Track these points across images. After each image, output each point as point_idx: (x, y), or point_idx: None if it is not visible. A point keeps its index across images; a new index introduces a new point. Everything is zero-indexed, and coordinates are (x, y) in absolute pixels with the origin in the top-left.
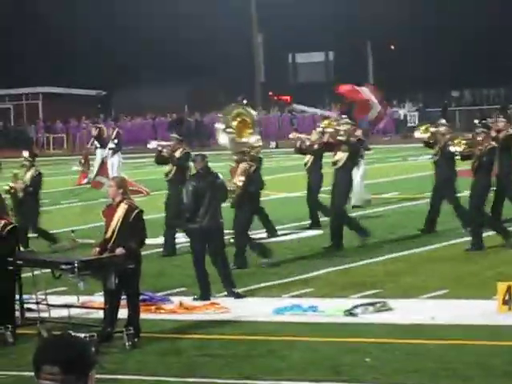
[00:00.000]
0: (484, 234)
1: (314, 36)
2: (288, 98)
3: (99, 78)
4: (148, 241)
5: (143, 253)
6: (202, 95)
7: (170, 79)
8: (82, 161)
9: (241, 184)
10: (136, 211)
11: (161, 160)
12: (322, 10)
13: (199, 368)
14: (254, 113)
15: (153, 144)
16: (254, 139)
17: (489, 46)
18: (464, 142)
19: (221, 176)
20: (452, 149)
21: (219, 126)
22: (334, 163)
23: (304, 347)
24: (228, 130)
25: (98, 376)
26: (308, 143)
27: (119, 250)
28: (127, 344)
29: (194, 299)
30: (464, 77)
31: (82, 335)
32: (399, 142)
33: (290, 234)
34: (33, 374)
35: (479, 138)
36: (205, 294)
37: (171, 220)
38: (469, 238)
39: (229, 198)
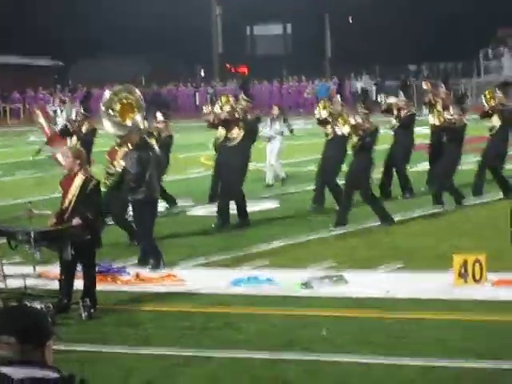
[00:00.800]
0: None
1: (272, 8)
2: (245, 69)
3: (59, 48)
4: None
5: None
6: (160, 67)
7: (129, 51)
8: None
9: (120, 169)
10: (93, 182)
11: (65, 133)
12: None
13: (155, 340)
14: (139, 95)
15: (60, 120)
16: (136, 122)
17: (447, 20)
18: (350, 123)
19: (157, 148)
20: (339, 132)
21: (102, 108)
22: (230, 141)
23: (261, 320)
24: (110, 112)
25: (55, 347)
26: (222, 117)
27: (75, 221)
28: (83, 315)
29: (150, 269)
30: (422, 50)
31: (38, 306)
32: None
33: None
34: None
35: (360, 120)
36: (158, 263)
37: None
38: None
39: (108, 182)
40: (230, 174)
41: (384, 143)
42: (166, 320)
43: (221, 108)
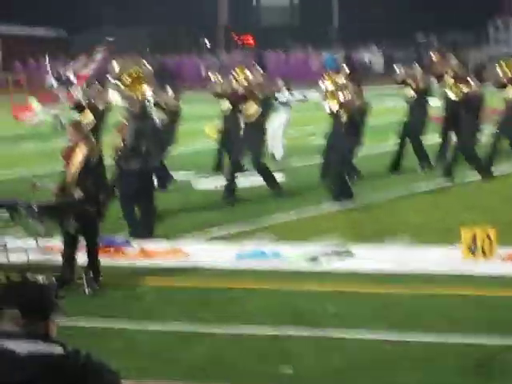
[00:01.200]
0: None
1: None
2: (251, 40)
3: (60, 18)
4: None
5: None
6: (164, 37)
7: (132, 20)
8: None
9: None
10: (96, 154)
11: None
12: None
13: (158, 314)
14: (149, 69)
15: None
16: (147, 96)
17: None
18: (339, 100)
19: (157, 120)
20: (327, 109)
21: (112, 81)
22: (248, 117)
23: (265, 294)
24: (119, 85)
25: (58, 321)
26: (229, 90)
27: (77, 194)
28: (87, 290)
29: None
30: (430, 21)
31: (41, 280)
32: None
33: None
34: None
35: (349, 96)
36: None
37: None
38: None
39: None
40: (249, 150)
41: (397, 115)
42: (170, 294)
43: (236, 81)
